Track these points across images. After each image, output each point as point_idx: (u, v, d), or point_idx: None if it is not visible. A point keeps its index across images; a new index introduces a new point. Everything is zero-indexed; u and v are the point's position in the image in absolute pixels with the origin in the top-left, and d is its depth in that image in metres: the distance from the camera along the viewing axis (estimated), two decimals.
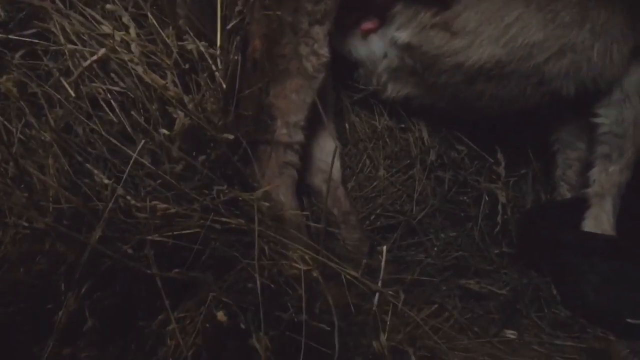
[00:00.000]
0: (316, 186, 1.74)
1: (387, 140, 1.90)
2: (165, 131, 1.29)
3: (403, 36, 1.57)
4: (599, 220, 1.72)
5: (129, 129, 1.29)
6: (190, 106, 1.33)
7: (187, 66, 1.45)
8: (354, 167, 1.86)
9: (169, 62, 1.43)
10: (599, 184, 1.73)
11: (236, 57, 1.42)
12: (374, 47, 1.65)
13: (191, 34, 1.47)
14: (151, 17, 1.54)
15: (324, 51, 1.47)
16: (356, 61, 1.72)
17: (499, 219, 1.94)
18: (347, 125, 1.85)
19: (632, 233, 1.70)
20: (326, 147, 1.75)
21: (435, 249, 1.93)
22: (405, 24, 1.55)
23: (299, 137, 1.51)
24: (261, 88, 1.47)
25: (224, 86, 1.40)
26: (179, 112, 1.27)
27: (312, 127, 1.73)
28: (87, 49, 1.34)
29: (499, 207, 1.97)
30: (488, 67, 1.55)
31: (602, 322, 1.49)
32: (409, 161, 1.91)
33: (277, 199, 1.49)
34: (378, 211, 1.88)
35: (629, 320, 1.44)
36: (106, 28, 1.36)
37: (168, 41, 1.48)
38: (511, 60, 1.55)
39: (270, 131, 1.47)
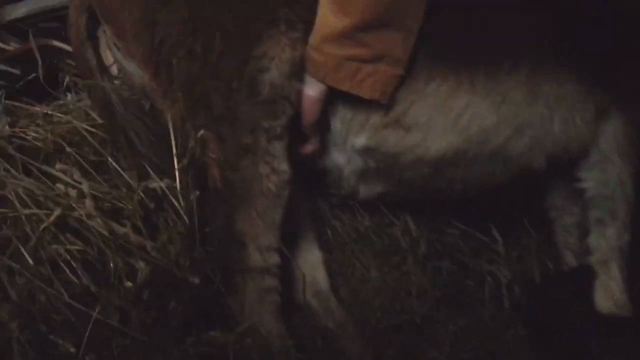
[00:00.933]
0: (306, 302, 1.66)
1: (374, 238, 1.83)
2: (129, 283, 1.23)
3: (360, 141, 1.54)
4: (609, 288, 1.62)
5: (92, 288, 1.24)
6: (153, 253, 1.29)
7: (152, 205, 1.42)
8: (344, 272, 1.79)
9: (130, 207, 1.40)
10: (600, 252, 1.64)
11: (196, 192, 1.39)
12: (335, 156, 1.62)
13: (152, 173, 1.45)
14: (112, 162, 1.54)
15: (284, 167, 1.43)
16: (323, 169, 1.69)
17: (506, 299, 1.84)
18: (329, 231, 1.79)
19: None
20: (309, 259, 1.68)
21: (448, 343, 1.81)
22: (360, 130, 1.52)
23: (274, 259, 1.45)
24: (227, 217, 1.43)
25: (187, 222, 1.36)
26: (140, 262, 1.22)
27: (290, 242, 1.68)
28: (44, 210, 1.32)
29: (504, 287, 1.88)
30: (449, 155, 1.51)
31: None
32: (400, 256, 1.84)
33: (262, 329, 1.41)
34: (378, 314, 1.79)
35: None
36: (60, 186, 1.34)
37: (131, 182, 1.46)
38: (469, 146, 1.50)
39: (243, 259, 1.41)
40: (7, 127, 1.59)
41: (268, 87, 1.42)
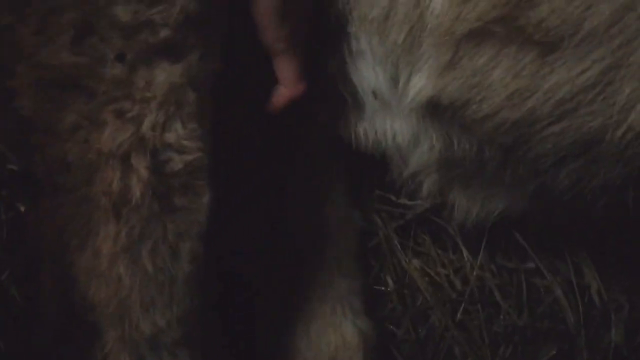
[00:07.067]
0: None
1: (499, 301, 0.85)
2: None
3: (419, 86, 0.61)
4: None
5: None
6: None
7: None
8: None
9: None
10: None
11: None
12: (383, 125, 0.70)
13: None
14: None
15: (190, 128, 0.55)
16: (377, 155, 0.76)
17: None
18: (390, 281, 0.85)
19: None
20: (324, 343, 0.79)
21: None
22: (416, 63, 0.61)
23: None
24: (57, 255, 0.59)
25: None
26: None
27: (293, 298, 0.80)
28: None
29: None
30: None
31: None
32: (556, 350, 0.85)
33: None
34: None
35: None
36: None
37: None
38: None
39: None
40: None
41: None
